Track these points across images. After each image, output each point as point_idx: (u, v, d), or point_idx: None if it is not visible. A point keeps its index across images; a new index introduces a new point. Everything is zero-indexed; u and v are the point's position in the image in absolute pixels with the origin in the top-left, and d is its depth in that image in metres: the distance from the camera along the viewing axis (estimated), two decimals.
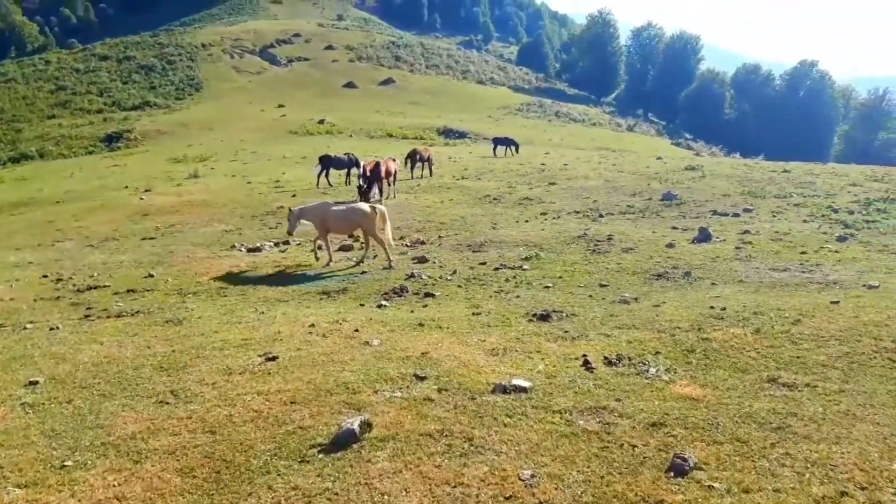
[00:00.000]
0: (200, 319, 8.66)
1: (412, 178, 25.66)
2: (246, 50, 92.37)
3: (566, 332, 7.11)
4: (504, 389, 5.39)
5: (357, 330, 7.42)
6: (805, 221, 14.76)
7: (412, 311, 8.58)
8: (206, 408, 5.43)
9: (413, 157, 26.03)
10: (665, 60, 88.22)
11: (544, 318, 7.77)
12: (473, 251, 13.39)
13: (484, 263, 12.04)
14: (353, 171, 23.73)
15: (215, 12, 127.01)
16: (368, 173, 18.54)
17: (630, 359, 6.07)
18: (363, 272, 11.68)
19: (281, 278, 11.74)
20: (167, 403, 5.63)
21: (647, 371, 5.79)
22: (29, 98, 76.43)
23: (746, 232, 13.51)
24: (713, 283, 9.36)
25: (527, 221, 16.38)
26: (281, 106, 68.79)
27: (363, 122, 59.86)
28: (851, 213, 15.45)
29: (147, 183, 28.94)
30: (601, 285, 9.79)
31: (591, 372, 5.80)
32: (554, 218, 16.70)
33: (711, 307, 7.59)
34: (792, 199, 17.86)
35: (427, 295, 9.74)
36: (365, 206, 12.92)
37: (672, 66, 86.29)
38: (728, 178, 22.31)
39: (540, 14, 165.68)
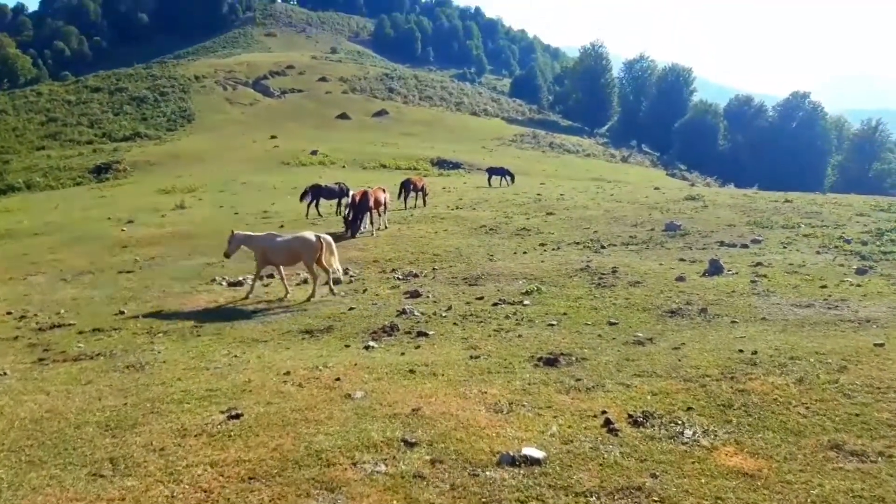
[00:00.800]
0: (165, 364, 7.68)
1: (405, 207, 24.92)
2: (239, 82, 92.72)
3: (578, 380, 6.19)
4: (512, 461, 4.45)
5: (338, 379, 6.46)
6: (818, 253, 14.04)
7: (402, 354, 7.65)
8: (146, 484, 4.45)
9: (406, 187, 25.34)
10: (658, 92, 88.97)
11: (551, 362, 6.86)
12: (469, 284, 12.54)
13: (481, 298, 11.17)
14: (344, 200, 22.98)
15: (209, 45, 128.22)
16: (356, 203, 17.78)
17: (659, 417, 5.14)
18: (350, 308, 10.75)
19: (261, 315, 10.80)
20: (101, 476, 4.64)
21: (682, 433, 4.86)
22: (19, 129, 75.91)
23: (759, 264, 12.75)
24: (733, 322, 8.50)
25: (525, 253, 15.57)
26: (273, 137, 68.47)
27: (356, 153, 59.49)
28: (865, 244, 14.76)
29: (130, 214, 28.01)
30: (610, 323, 8.92)
31: (616, 435, 4.86)
32: (553, 249, 15.91)
33: (740, 350, 6.70)
34: (800, 230, 17.19)
35: (420, 334, 8.82)
36: (309, 236, 12.25)
37: (665, 98, 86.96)
38: (731, 208, 21.68)
39: (532, 47, 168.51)
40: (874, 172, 69.97)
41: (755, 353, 6.58)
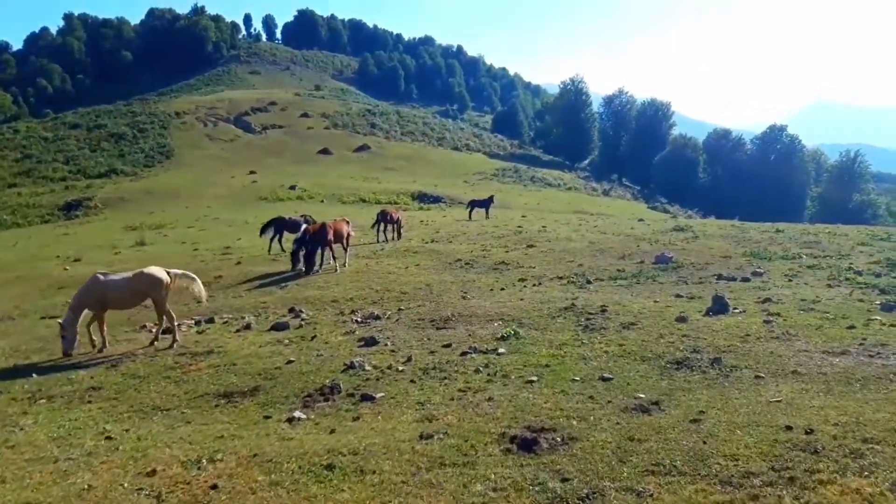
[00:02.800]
0: (10, 451, 5.73)
1: (378, 241, 23.24)
2: (220, 118, 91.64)
3: (566, 480, 4.39)
4: None
5: (215, 486, 4.59)
6: (829, 286, 12.51)
7: (332, 432, 5.79)
8: None
9: (382, 218, 23.75)
10: (637, 126, 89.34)
11: (528, 445, 5.06)
12: (437, 328, 10.75)
13: (449, 345, 9.39)
14: (293, 235, 21.22)
15: (193, 83, 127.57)
16: (309, 236, 16.04)
17: None
18: (289, 361, 8.88)
19: (180, 371, 8.86)
20: None
21: None
22: None
23: (768, 300, 11.15)
24: (758, 376, 6.78)
25: (503, 289, 13.86)
26: (252, 172, 67.05)
27: (336, 188, 58.16)
28: (878, 275, 13.32)
29: (81, 252, 25.99)
30: (603, 378, 7.17)
31: None
32: (534, 285, 14.23)
33: (787, 427, 4.94)
34: (802, 261, 15.75)
35: (364, 398, 6.98)
36: (157, 272, 10.72)
37: (644, 132, 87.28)
38: (723, 239, 20.29)
39: (514, 84, 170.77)
40: (854, 203, 69.92)
41: (810, 431, 4.82)
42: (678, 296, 12.20)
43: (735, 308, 10.54)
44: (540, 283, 14.35)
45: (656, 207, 68.90)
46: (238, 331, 11.39)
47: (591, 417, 5.73)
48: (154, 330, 11.17)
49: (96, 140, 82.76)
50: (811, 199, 79.13)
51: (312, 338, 10.42)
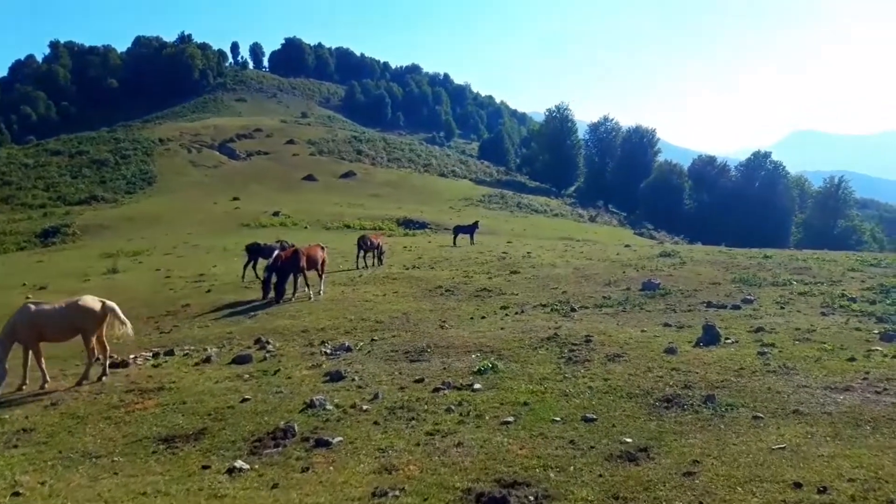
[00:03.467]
0: None
1: (357, 267, 22.51)
2: (204, 144, 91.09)
3: None
4: None
5: None
6: (823, 314, 11.98)
7: (274, 486, 5.03)
8: None
9: (362, 244, 23.07)
10: (623, 153, 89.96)
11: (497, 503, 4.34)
12: (411, 360, 10.03)
13: (421, 381, 8.67)
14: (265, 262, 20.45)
15: (178, 110, 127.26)
16: (280, 263, 15.31)
17: None
18: (244, 399, 8.09)
19: (124, 411, 8.04)
20: None
21: None
22: None
23: (760, 329, 10.58)
24: (756, 417, 6.13)
25: (483, 318, 13.18)
26: (235, 199, 66.32)
27: (320, 214, 57.55)
28: (873, 302, 12.85)
29: (49, 280, 24.96)
30: (586, 419, 6.49)
31: None
32: (516, 313, 13.57)
33: (797, 484, 4.27)
34: (793, 287, 15.26)
35: (319, 443, 6.21)
36: (90, 302, 10.02)
37: (630, 159, 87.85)
38: (711, 265, 19.82)
39: (500, 112, 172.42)
40: (839, 230, 70.39)
41: (823, 489, 4.16)
42: (666, 325, 11.60)
43: (727, 338, 9.94)
44: (522, 311, 13.69)
45: (643, 233, 68.93)
46: (197, 364, 10.58)
47: (571, 468, 5.03)
48: (103, 364, 10.34)
49: (77, 166, 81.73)
50: (796, 226, 79.69)
51: (275, 372, 9.64)
